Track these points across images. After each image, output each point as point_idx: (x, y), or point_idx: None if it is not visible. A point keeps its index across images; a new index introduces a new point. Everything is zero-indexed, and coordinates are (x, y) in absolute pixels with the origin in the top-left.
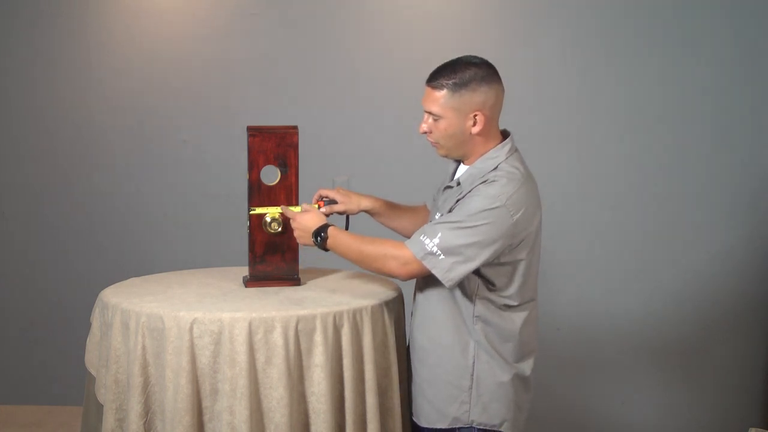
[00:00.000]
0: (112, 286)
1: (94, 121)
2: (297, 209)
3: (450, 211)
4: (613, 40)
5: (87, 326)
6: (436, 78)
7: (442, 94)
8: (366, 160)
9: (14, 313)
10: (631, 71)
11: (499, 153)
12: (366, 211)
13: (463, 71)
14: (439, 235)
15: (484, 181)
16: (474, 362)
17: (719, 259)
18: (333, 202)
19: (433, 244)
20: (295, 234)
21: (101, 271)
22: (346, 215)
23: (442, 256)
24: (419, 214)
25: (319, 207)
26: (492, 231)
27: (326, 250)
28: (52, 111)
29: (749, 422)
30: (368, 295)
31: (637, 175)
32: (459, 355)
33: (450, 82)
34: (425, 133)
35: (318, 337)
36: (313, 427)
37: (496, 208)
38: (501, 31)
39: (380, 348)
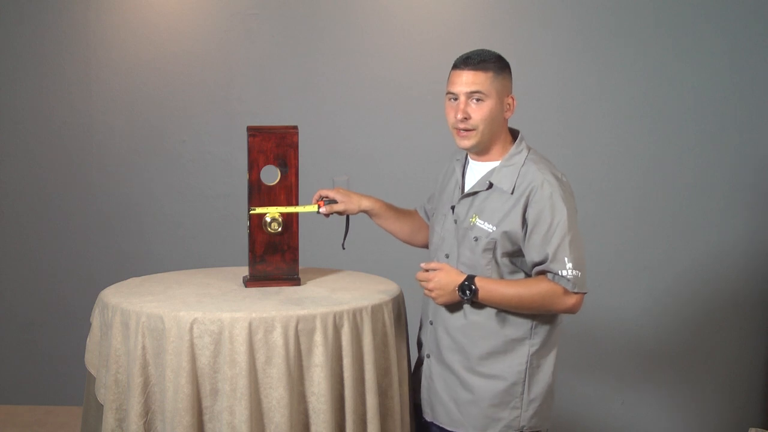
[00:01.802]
0: (112, 286)
1: (93, 121)
2: (301, 209)
3: (524, 222)
4: (611, 40)
5: (87, 326)
6: (480, 61)
7: (489, 75)
8: (366, 160)
9: (14, 313)
10: (629, 70)
11: (521, 147)
12: (365, 212)
13: (498, 58)
14: (566, 259)
15: (534, 188)
16: (527, 368)
17: (719, 259)
18: (333, 201)
19: (569, 270)
20: (434, 294)
21: (101, 271)
22: (346, 215)
23: (580, 273)
24: (414, 219)
25: (319, 207)
26: (576, 217)
27: (476, 301)
28: (52, 111)
29: (749, 422)
30: (368, 295)
31: (636, 175)
32: (515, 363)
33: (493, 64)
34: (465, 119)
35: (318, 337)
36: (313, 427)
37: (567, 200)
38: (500, 33)
39: (380, 348)
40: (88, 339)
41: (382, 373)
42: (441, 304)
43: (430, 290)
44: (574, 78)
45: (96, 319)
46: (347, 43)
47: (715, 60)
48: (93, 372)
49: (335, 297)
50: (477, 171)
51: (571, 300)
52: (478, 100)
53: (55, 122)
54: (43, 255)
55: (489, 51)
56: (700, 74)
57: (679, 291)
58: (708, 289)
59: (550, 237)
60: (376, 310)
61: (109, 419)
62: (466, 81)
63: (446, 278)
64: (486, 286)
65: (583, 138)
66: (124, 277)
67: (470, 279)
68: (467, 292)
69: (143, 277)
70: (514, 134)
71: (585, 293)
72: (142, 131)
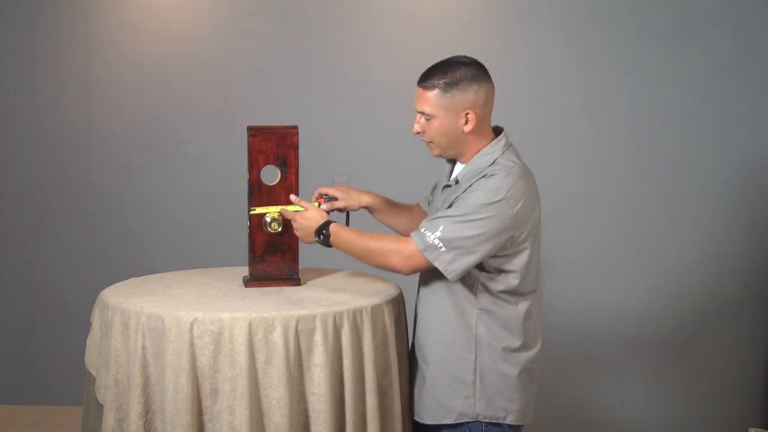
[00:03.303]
0: (112, 286)
1: (94, 121)
2: (295, 208)
3: (450, 207)
4: (612, 40)
5: (87, 326)
6: (427, 79)
7: (433, 94)
8: (366, 160)
9: (14, 313)
10: (631, 71)
11: (494, 149)
12: (366, 207)
13: (454, 71)
14: (441, 228)
15: (483, 176)
16: (476, 356)
17: (719, 258)
18: (333, 199)
19: (434, 237)
20: (298, 234)
21: (101, 271)
22: (347, 212)
23: (443, 249)
24: (414, 213)
25: (319, 204)
26: (493, 224)
27: (330, 246)
28: (52, 111)
29: (749, 422)
30: (368, 295)
31: (637, 175)
32: (462, 350)
33: (441, 81)
34: (418, 133)
35: (318, 337)
36: (313, 427)
37: (497, 201)
38: (500, 32)
39: (380, 348)
40: (88, 339)
41: (382, 373)
42: (307, 243)
43: (296, 229)
44: (575, 78)
45: (96, 319)
46: (347, 43)
47: (715, 60)
48: (93, 372)
49: (335, 297)
50: (457, 170)
51: (398, 257)
52: (426, 119)
53: (54, 122)
54: (43, 255)
55: (446, 63)
56: (700, 74)
57: (679, 291)
58: (708, 289)
59: (450, 209)
60: (376, 310)
61: (109, 419)
62: (417, 99)
63: (311, 221)
64: (338, 232)
65: (583, 138)
66: (124, 277)
67: (326, 224)
68: (320, 236)
69: (143, 277)
70: (499, 132)
71: (433, 266)
72: (142, 131)
